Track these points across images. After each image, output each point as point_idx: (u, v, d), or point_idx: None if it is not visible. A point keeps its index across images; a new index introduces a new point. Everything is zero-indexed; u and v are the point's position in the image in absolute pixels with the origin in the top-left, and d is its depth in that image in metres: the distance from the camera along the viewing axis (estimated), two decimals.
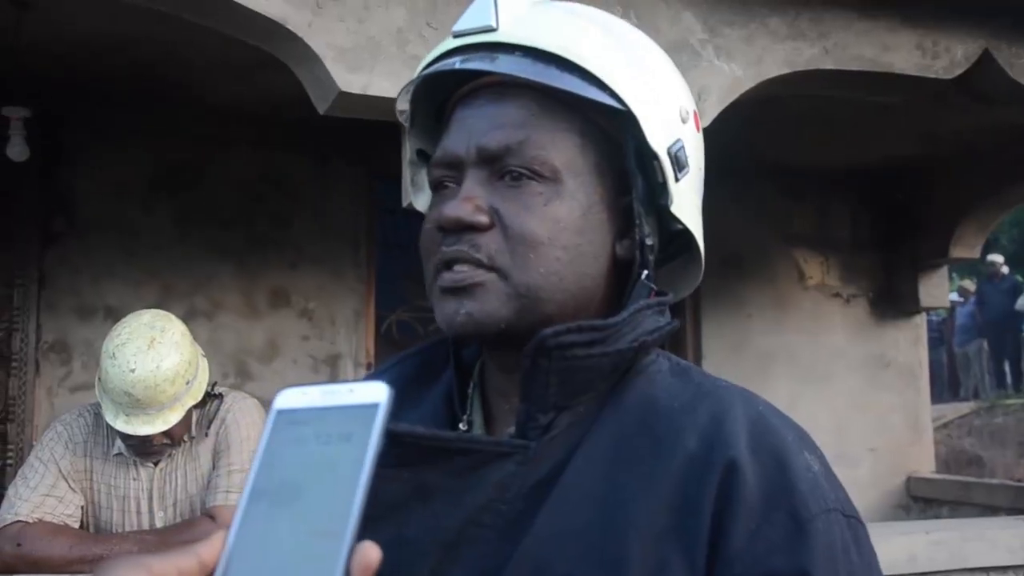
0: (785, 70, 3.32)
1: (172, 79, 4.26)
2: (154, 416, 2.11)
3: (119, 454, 2.24)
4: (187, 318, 2.32)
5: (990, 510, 5.67)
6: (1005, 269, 11.53)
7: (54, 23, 3.62)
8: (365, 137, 3.75)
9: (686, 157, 0.78)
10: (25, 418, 4.41)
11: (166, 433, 2.16)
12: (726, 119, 3.27)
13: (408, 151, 0.88)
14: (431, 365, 0.87)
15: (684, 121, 0.79)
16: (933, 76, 3.53)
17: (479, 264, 0.73)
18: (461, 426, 0.81)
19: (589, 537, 0.69)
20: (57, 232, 4.54)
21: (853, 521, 0.72)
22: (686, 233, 0.81)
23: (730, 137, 4.25)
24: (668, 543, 0.68)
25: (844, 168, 6.09)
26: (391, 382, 0.89)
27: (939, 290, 6.37)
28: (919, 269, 6.23)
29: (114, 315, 4.07)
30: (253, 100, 4.46)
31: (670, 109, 0.78)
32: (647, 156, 0.76)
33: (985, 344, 11.52)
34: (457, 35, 0.77)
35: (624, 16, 3.01)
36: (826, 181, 6.20)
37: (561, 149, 0.75)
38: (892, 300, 6.37)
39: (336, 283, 5.03)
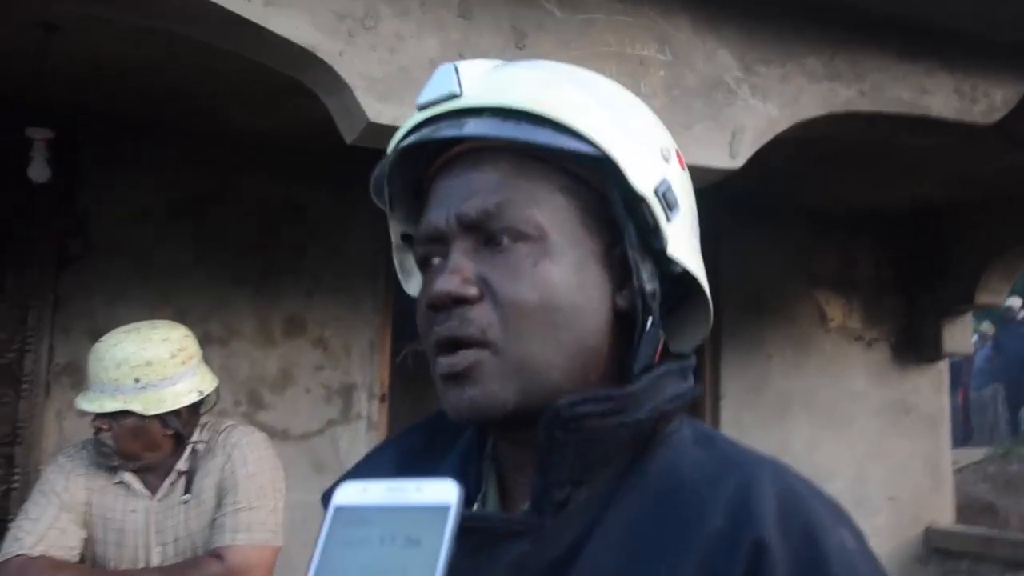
0: (821, 111, 3.28)
1: (194, 105, 4.24)
2: (96, 396, 2.13)
3: (120, 483, 2.18)
4: (201, 344, 2.26)
5: (1012, 567, 5.53)
6: (1023, 314, 11.39)
7: (80, 46, 3.60)
8: None
9: (675, 196, 0.75)
10: (33, 441, 4.34)
11: (120, 447, 2.11)
12: (753, 159, 3.22)
13: (393, 236, 0.84)
14: (439, 436, 0.84)
15: (667, 160, 0.76)
16: (971, 121, 3.49)
17: (471, 341, 0.70)
18: (476, 506, 0.77)
19: None
20: (73, 255, 4.50)
21: None
22: (686, 277, 0.77)
23: (753, 178, 4.19)
24: None
25: (869, 209, 6.04)
26: (397, 455, 0.84)
27: (963, 336, 6.28)
28: (944, 314, 6.13)
29: None
30: (273, 128, 4.44)
31: (651, 149, 0.75)
32: (634, 200, 0.72)
33: (1002, 389, 11.37)
34: (422, 107, 0.75)
35: (659, 52, 2.96)
36: (851, 222, 6.15)
37: (543, 206, 0.72)
38: (915, 345, 6.27)
39: (352, 313, 4.98)
